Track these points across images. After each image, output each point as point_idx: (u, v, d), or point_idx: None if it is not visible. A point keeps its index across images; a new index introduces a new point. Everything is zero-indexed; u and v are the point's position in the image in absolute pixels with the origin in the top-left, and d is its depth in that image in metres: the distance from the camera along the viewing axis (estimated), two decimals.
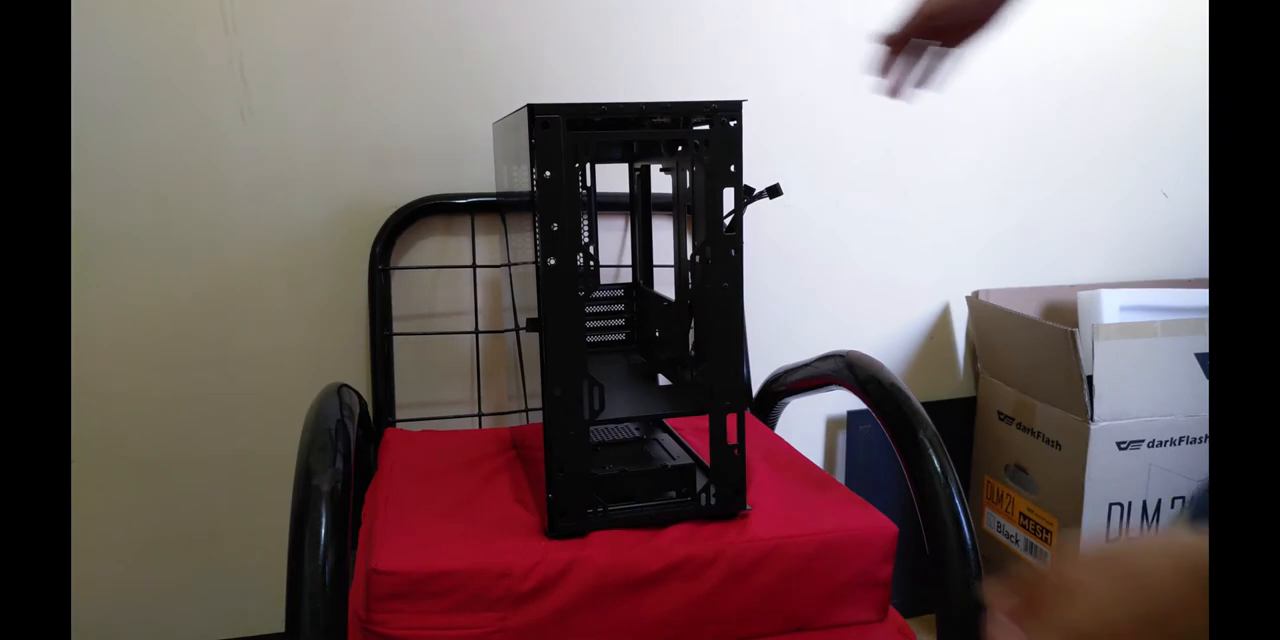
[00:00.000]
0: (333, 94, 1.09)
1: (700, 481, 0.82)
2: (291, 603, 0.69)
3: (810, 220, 1.29)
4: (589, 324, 1.07)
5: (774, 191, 0.80)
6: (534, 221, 0.74)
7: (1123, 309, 1.19)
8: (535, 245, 0.74)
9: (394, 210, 1.12)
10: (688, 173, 0.78)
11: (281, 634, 0.69)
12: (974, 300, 1.35)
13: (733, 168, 0.76)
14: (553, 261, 0.74)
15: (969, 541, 0.80)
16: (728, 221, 0.77)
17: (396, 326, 1.14)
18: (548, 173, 0.73)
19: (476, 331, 1.18)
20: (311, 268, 1.13)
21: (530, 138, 0.72)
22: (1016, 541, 1.28)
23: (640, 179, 1.07)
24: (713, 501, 0.80)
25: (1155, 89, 1.37)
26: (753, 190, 0.79)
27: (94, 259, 1.06)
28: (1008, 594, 0.48)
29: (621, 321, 1.10)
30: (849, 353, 0.99)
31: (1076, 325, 1.23)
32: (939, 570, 0.80)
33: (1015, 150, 1.34)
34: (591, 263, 1.08)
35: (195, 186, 1.08)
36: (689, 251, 0.80)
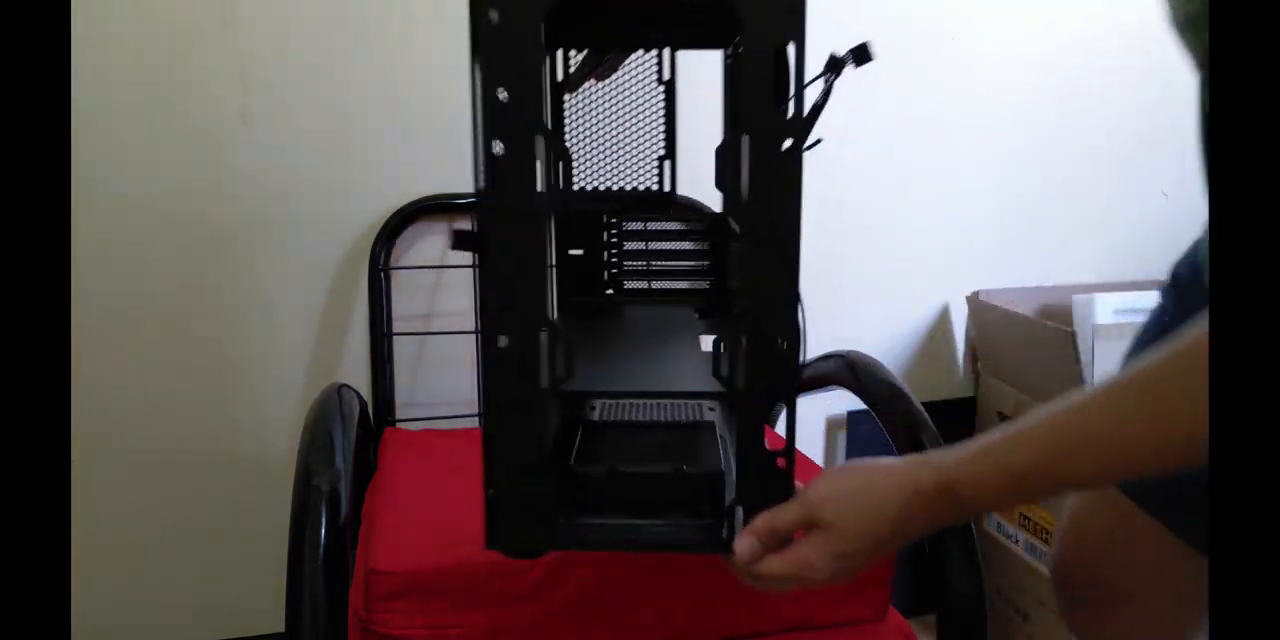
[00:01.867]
0: (333, 94, 1.09)
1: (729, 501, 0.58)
2: (291, 603, 0.68)
3: (810, 220, 1.28)
4: (657, 264, 0.81)
5: (861, 55, 0.53)
6: (473, 79, 0.50)
7: (1116, 312, 1.19)
8: (474, 121, 0.52)
9: (394, 210, 1.12)
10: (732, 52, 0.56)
11: (281, 634, 0.69)
12: (974, 300, 1.35)
13: (789, 30, 0.50)
14: (499, 148, 0.51)
15: (969, 542, 0.80)
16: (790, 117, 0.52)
17: (396, 326, 1.14)
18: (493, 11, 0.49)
19: (477, 331, 1.18)
20: (311, 268, 1.13)
21: None
22: (1016, 542, 1.28)
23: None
24: (733, 530, 0.55)
25: (1155, 89, 1.37)
26: (837, 60, 0.53)
27: (94, 260, 1.06)
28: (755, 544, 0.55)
29: (704, 264, 0.82)
30: (849, 353, 0.98)
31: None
32: (939, 570, 0.80)
33: (1016, 150, 1.34)
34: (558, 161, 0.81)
35: (195, 187, 1.08)
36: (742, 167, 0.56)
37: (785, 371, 0.55)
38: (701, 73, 0.84)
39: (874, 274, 1.33)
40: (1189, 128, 1.52)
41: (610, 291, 0.79)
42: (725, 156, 0.74)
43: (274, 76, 1.07)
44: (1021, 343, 1.25)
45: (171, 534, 1.15)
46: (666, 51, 0.80)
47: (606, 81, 0.80)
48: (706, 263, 0.79)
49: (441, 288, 1.17)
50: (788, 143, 0.52)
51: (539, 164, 0.52)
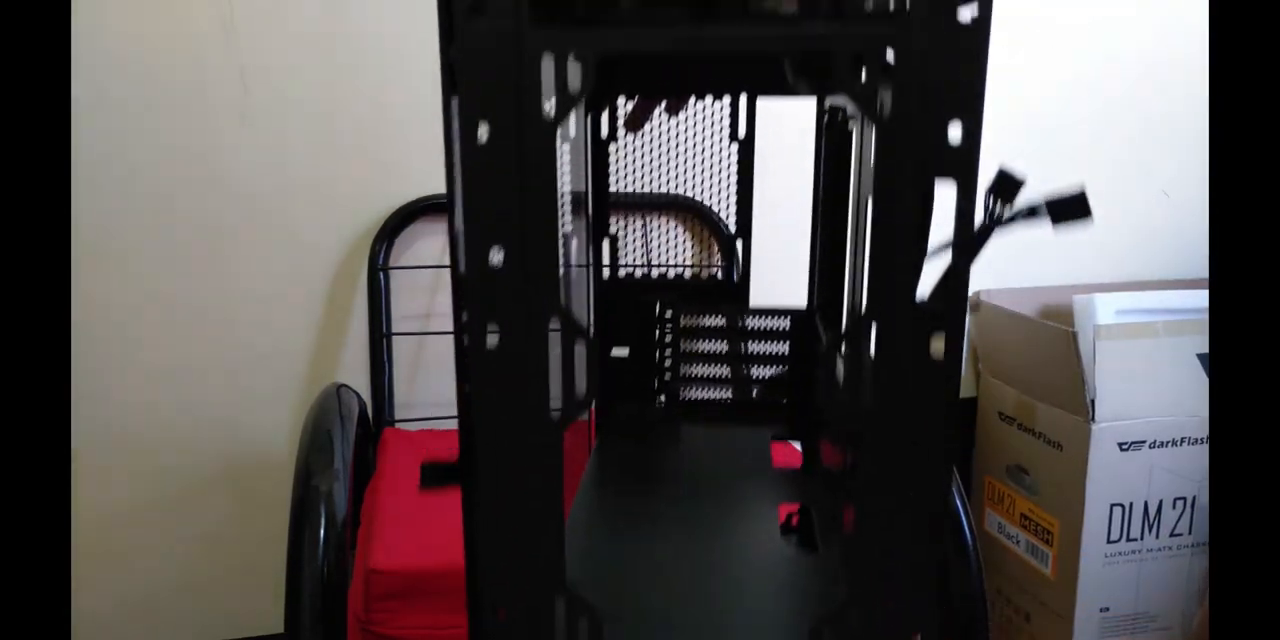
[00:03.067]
0: (333, 94, 1.09)
1: None
2: (291, 603, 0.69)
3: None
4: (722, 371, 0.61)
5: (1068, 209, 0.37)
6: (448, 135, 0.31)
7: (1118, 312, 1.19)
8: (451, 228, 0.33)
9: (394, 210, 1.12)
10: (858, 130, 0.40)
11: (281, 634, 0.69)
12: (975, 300, 1.35)
13: (960, 119, 0.34)
14: (493, 265, 0.31)
15: (970, 542, 0.80)
16: (942, 253, 0.35)
17: (396, 326, 1.14)
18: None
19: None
20: (311, 268, 1.13)
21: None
22: (1018, 542, 1.28)
23: (830, 128, 0.57)
24: None
25: (1156, 89, 1.37)
26: (1019, 210, 0.38)
27: (94, 260, 1.06)
28: None
29: (782, 371, 0.63)
30: None
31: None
32: (940, 571, 0.79)
33: (1016, 150, 1.34)
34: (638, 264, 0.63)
35: (195, 187, 1.08)
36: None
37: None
38: (777, 123, 0.69)
39: None
40: (1190, 128, 1.52)
41: (662, 398, 0.62)
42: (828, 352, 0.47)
43: (273, 77, 1.07)
44: (1023, 343, 1.25)
45: (171, 534, 1.15)
46: (743, 99, 0.59)
47: (655, 133, 0.60)
48: (785, 370, 0.62)
49: (441, 288, 1.17)
50: (937, 344, 0.33)
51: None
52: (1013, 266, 1.38)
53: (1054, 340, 1.17)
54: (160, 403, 1.12)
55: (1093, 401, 1.14)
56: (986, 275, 1.37)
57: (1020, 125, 1.32)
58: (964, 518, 0.80)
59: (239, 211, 1.09)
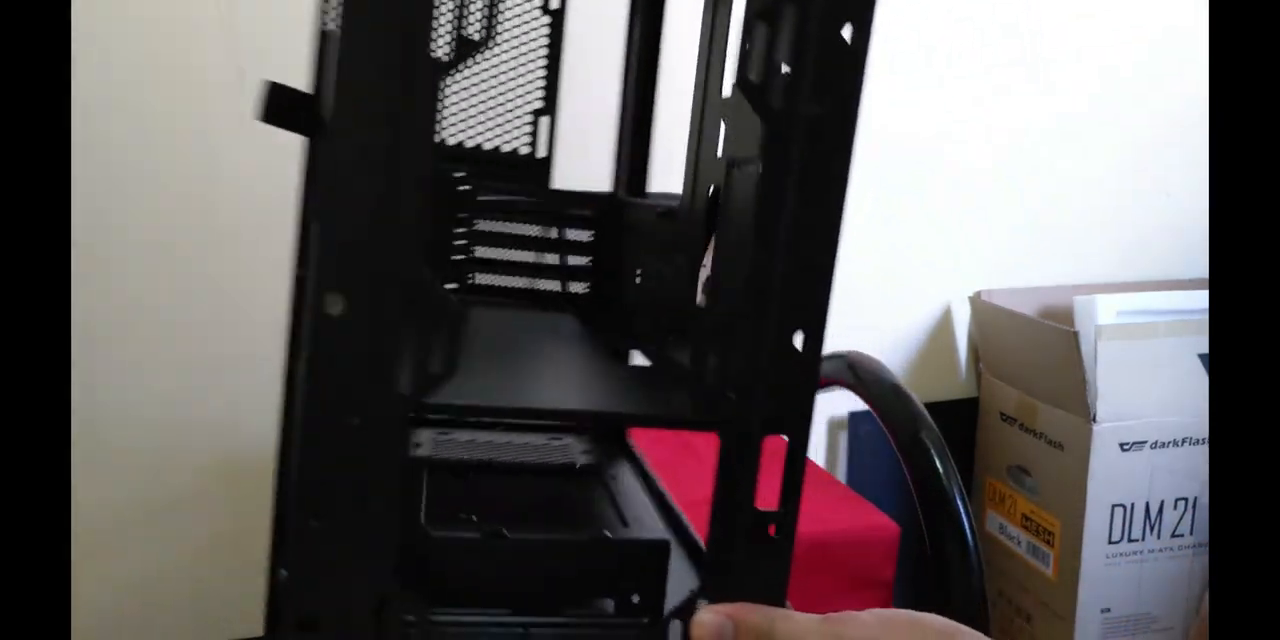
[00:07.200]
0: None
1: (684, 581, 0.39)
2: None
3: None
4: (522, 255, 0.56)
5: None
6: None
7: (1119, 313, 1.19)
8: None
9: None
10: None
11: None
12: (976, 301, 1.35)
13: None
14: None
15: (971, 543, 0.80)
16: None
17: None
18: None
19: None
20: None
21: None
22: (1019, 543, 1.28)
23: None
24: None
25: (1157, 89, 1.37)
26: None
27: (93, 260, 1.06)
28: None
29: (586, 261, 0.58)
30: (850, 353, 0.98)
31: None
32: (941, 572, 0.80)
33: (1017, 151, 1.34)
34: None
35: (193, 187, 1.08)
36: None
37: (801, 383, 0.35)
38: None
39: (875, 274, 1.33)
40: (1190, 127, 1.52)
41: (454, 285, 0.56)
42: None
43: (273, 76, 1.07)
44: (1024, 343, 1.25)
45: (172, 534, 1.15)
46: None
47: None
48: (590, 259, 0.56)
49: None
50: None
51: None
52: (1013, 266, 1.38)
53: (1055, 341, 1.17)
54: (160, 402, 1.12)
55: (1094, 402, 1.14)
56: (986, 275, 1.37)
57: (1021, 126, 1.32)
58: (965, 518, 0.80)
59: (238, 211, 1.09)
